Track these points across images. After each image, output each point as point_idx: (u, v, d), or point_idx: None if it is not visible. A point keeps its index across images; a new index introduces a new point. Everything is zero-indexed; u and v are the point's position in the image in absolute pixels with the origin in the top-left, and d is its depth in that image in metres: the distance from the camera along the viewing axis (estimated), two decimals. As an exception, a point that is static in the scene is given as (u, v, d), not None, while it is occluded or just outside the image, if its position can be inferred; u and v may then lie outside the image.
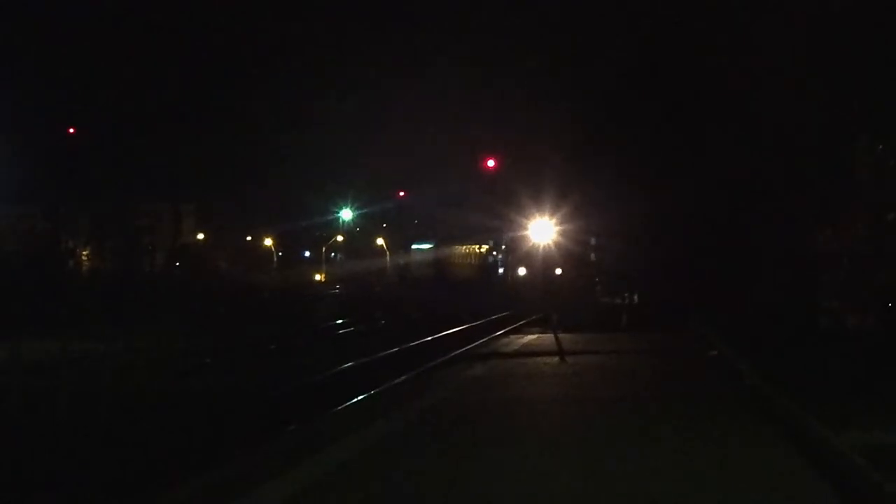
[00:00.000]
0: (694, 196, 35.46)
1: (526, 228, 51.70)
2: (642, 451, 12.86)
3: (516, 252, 66.78)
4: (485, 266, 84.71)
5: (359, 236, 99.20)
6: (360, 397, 20.05)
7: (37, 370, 25.09)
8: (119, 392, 22.11)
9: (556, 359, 26.89)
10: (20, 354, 26.77)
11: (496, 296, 62.49)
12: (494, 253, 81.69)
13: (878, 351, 21.62)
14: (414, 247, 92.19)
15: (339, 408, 18.88)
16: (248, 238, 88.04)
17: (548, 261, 55.65)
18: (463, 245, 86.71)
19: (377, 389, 21.50)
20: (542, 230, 49.83)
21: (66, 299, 44.39)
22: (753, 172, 30.73)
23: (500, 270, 78.81)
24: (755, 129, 29.10)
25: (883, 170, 27.34)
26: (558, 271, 59.06)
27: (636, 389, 20.74)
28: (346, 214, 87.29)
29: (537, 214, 48.91)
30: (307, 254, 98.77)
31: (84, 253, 69.56)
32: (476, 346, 32.73)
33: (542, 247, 52.71)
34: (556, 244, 51.83)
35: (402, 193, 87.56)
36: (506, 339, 35.33)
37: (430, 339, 35.45)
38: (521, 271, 71.74)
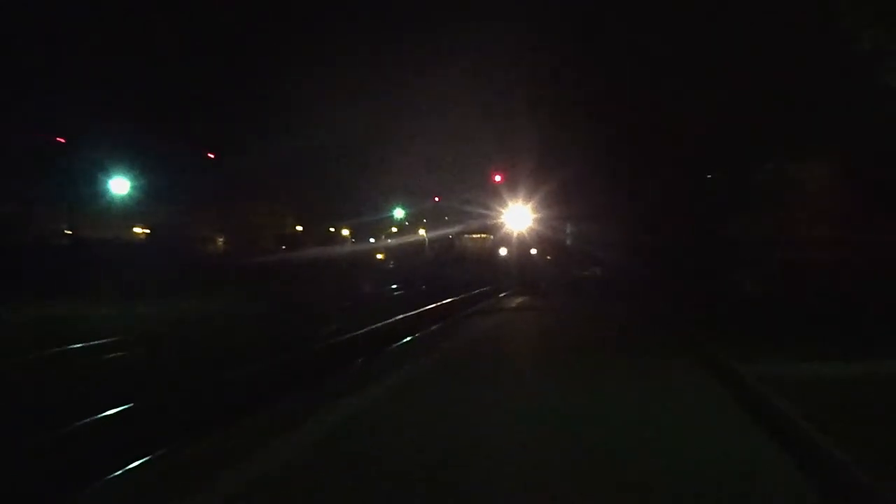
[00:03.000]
0: (641, 195, 35.02)
1: (515, 217, 51.51)
2: (604, 372, 12.95)
3: (509, 236, 63.96)
4: (486, 248, 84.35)
5: (407, 228, 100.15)
6: (409, 337, 20.10)
7: (182, 323, 24.98)
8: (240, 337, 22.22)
9: (541, 312, 27.33)
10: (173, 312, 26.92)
11: (494, 271, 62.06)
12: (493, 238, 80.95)
13: (773, 311, 21.43)
14: (465, 235, 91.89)
15: (412, 337, 19.23)
16: (332, 229, 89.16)
17: (530, 242, 55.34)
18: (473, 233, 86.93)
19: (425, 331, 21.59)
20: (523, 218, 49.76)
21: (203, 274, 44.18)
22: (682, 181, 30.46)
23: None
24: (683, 148, 28.58)
25: (776, 182, 27.18)
26: (533, 251, 58.46)
27: (601, 331, 20.90)
28: (399, 213, 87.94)
29: (521, 204, 48.91)
30: (372, 240, 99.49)
31: (219, 240, 70.00)
32: (486, 304, 32.95)
33: (525, 232, 52.48)
34: (536, 230, 51.78)
35: (437, 199, 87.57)
36: (506, 301, 35.38)
37: (453, 299, 35.17)
38: (503, 251, 67.47)
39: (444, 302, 32.58)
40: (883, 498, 5.87)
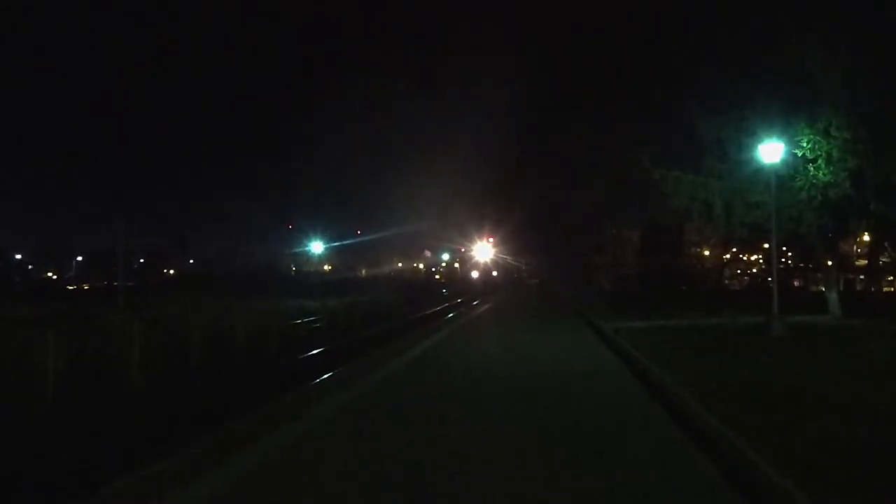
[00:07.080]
0: (555, 245, 34.47)
1: (481, 251, 47.69)
2: (549, 327, 13.42)
3: (478, 264, 52.79)
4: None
5: (448, 264, 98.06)
6: (452, 313, 19.55)
7: (348, 305, 22.28)
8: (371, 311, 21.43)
9: (511, 301, 26.99)
10: (343, 302, 25.79)
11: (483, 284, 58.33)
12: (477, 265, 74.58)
13: (614, 299, 21.22)
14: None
15: (449, 315, 18.51)
16: (415, 264, 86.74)
17: (492, 268, 52.35)
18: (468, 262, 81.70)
19: (460, 309, 21.28)
20: (487, 252, 46.34)
21: (354, 285, 39.48)
22: (571, 237, 30.04)
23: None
24: (568, 222, 27.93)
25: (614, 239, 26.98)
26: (494, 273, 53.57)
27: (538, 307, 20.93)
28: (445, 256, 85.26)
29: (486, 244, 45.04)
30: (433, 269, 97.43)
31: (363, 270, 69.68)
32: (484, 299, 32.33)
33: (488, 261, 49.24)
34: (495, 260, 48.95)
35: (462, 249, 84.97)
36: (492, 296, 34.75)
37: (469, 295, 33.80)
38: (475, 274, 54.83)
39: (465, 298, 32.01)
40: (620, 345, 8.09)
